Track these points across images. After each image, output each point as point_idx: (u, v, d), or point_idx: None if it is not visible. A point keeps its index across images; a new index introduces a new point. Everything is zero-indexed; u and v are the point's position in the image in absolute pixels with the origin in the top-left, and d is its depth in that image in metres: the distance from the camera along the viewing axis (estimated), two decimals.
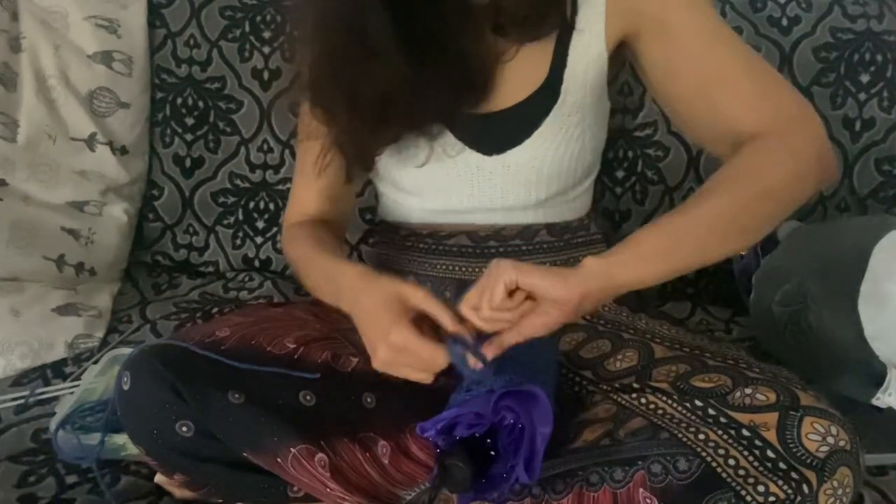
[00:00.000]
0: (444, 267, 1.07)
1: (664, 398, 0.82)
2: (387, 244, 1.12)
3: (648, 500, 0.76)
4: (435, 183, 1.05)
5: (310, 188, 1.11)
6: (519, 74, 1.00)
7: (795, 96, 0.89)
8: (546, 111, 1.00)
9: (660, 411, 0.81)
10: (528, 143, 1.01)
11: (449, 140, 1.02)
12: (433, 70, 0.95)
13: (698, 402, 0.80)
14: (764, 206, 0.82)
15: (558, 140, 1.03)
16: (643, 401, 0.84)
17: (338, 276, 0.92)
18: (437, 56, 0.96)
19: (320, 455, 0.82)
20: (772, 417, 0.76)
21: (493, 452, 0.79)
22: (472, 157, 1.03)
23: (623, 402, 0.85)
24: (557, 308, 0.79)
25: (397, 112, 0.97)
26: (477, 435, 0.79)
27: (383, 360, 0.82)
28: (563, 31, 1.00)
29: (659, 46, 0.96)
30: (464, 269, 1.07)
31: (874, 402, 1.04)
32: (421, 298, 0.83)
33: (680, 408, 0.80)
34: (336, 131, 1.02)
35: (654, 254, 0.80)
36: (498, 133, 1.02)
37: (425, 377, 0.82)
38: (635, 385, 0.87)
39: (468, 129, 1.02)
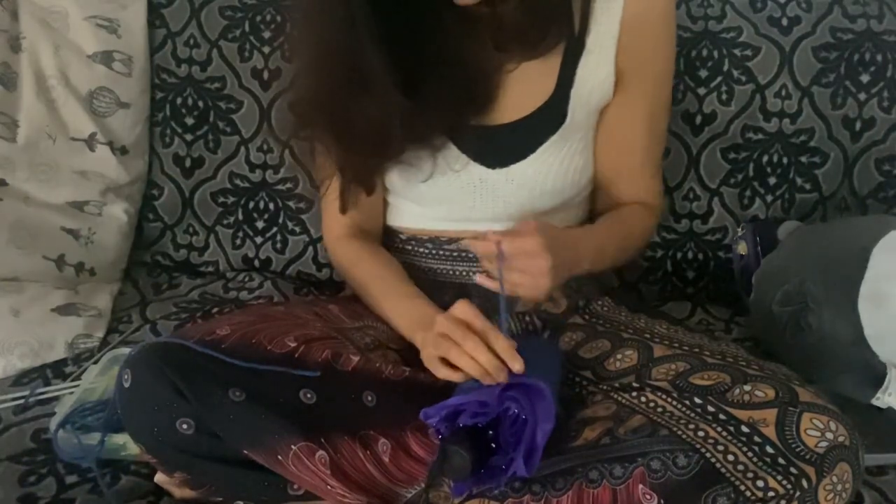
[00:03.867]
0: (443, 271, 1.08)
1: (664, 396, 0.83)
2: (386, 248, 1.12)
3: (648, 496, 0.76)
4: (438, 194, 1.05)
5: (337, 202, 1.10)
6: (524, 88, 1.00)
7: (661, 195, 1.17)
8: (553, 128, 1.01)
9: (659, 409, 0.82)
10: (532, 157, 1.02)
11: (453, 153, 1.02)
12: (433, 86, 0.95)
13: (697, 400, 0.80)
14: (630, 246, 1.09)
15: (563, 155, 1.03)
16: (643, 399, 0.84)
17: (427, 317, 0.94)
18: (437, 72, 0.95)
19: (321, 452, 0.82)
20: (770, 414, 0.76)
21: (493, 444, 0.80)
22: (476, 169, 1.03)
23: (623, 401, 0.85)
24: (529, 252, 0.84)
25: (391, 143, 0.97)
26: (479, 425, 0.79)
27: (433, 342, 0.85)
28: (571, 49, 1.00)
29: (618, 97, 1.04)
30: (464, 273, 1.07)
31: (874, 402, 1.04)
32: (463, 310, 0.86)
33: (679, 405, 0.81)
34: (336, 159, 1.02)
35: (603, 245, 1.00)
36: (502, 146, 1.02)
37: (473, 361, 0.82)
38: (635, 384, 0.87)
39: (472, 142, 1.02)
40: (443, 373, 0.85)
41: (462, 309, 0.84)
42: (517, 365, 0.80)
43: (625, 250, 1.07)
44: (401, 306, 1.01)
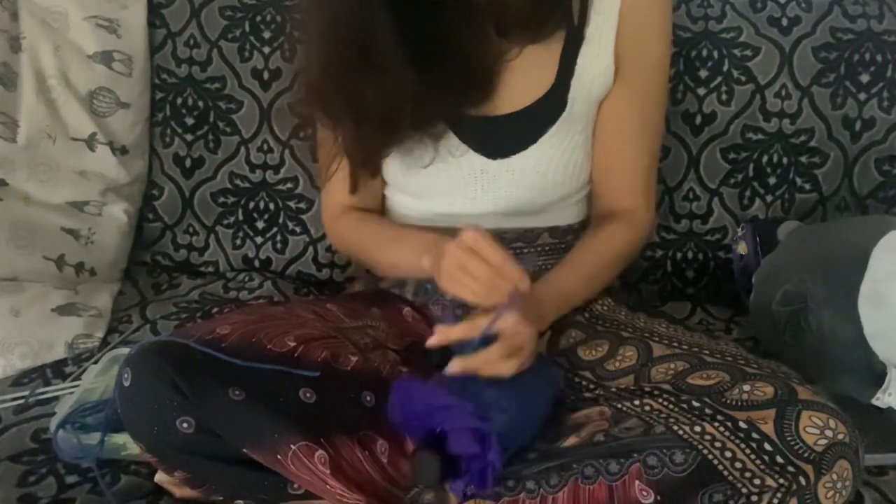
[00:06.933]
0: None
1: (660, 400, 0.82)
2: None
3: (644, 493, 0.76)
4: (438, 185, 1.05)
5: (339, 184, 1.11)
6: (524, 79, 1.01)
7: (654, 197, 1.13)
8: (553, 119, 1.01)
9: (655, 412, 0.81)
10: (533, 148, 1.02)
11: (453, 141, 1.02)
12: (437, 73, 0.95)
13: (695, 403, 0.80)
14: (612, 271, 1.07)
15: (563, 147, 1.03)
16: (636, 403, 0.84)
17: (431, 242, 0.95)
18: (441, 60, 0.96)
19: (320, 452, 0.82)
20: (769, 412, 0.76)
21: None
22: (477, 159, 1.03)
23: (622, 408, 0.85)
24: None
25: (403, 119, 0.97)
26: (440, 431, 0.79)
27: (448, 264, 0.85)
28: (571, 40, 1.01)
29: (614, 89, 1.04)
30: None
31: (874, 402, 1.04)
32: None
33: (676, 408, 0.80)
34: (343, 138, 1.03)
35: (569, 294, 1.00)
36: (503, 137, 1.02)
37: (485, 293, 0.84)
38: (632, 387, 0.87)
39: (473, 132, 1.02)
40: (461, 291, 0.86)
41: (472, 237, 0.84)
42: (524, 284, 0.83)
43: (595, 287, 1.05)
44: (397, 248, 1.03)
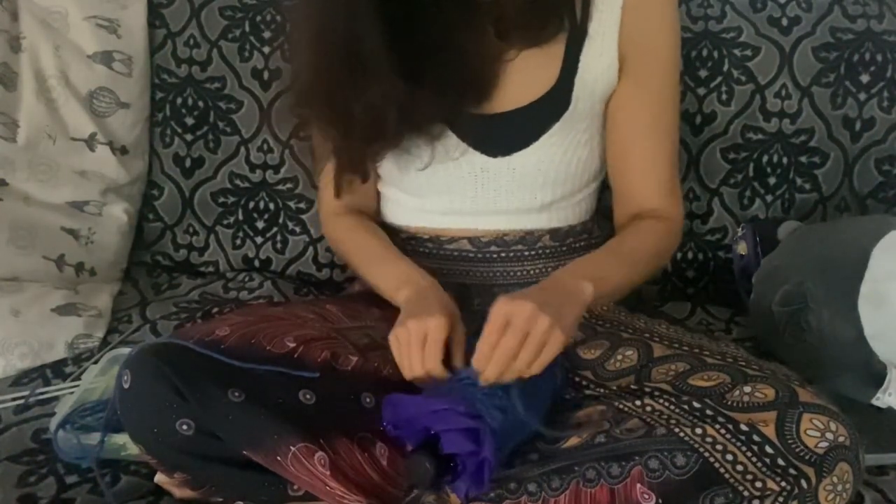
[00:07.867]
0: (444, 271, 1.07)
1: (661, 400, 0.82)
2: None
3: (646, 496, 0.76)
4: (437, 184, 1.05)
5: (332, 184, 1.11)
6: (526, 76, 1.00)
7: (680, 195, 1.09)
8: (556, 116, 1.00)
9: (656, 413, 0.81)
10: (535, 146, 1.01)
11: (451, 141, 1.02)
12: (432, 74, 0.95)
13: (696, 404, 0.80)
14: (649, 265, 1.03)
15: (566, 145, 1.02)
16: (637, 403, 0.84)
17: (412, 275, 0.98)
18: (437, 62, 0.95)
19: (320, 454, 0.82)
20: (770, 415, 0.76)
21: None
22: (477, 158, 1.03)
23: (623, 408, 0.85)
24: (517, 316, 0.80)
25: (390, 128, 0.97)
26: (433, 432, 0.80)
27: (401, 333, 0.87)
28: (574, 36, 1.00)
29: (621, 87, 1.03)
30: (465, 273, 1.07)
31: (874, 402, 1.04)
32: (459, 334, 0.88)
33: (677, 410, 0.80)
34: (332, 142, 1.03)
35: (608, 272, 0.94)
36: (504, 135, 1.02)
37: (408, 372, 0.87)
38: (633, 387, 0.87)
39: (472, 130, 1.01)
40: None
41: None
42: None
43: (637, 273, 1.01)
44: (382, 270, 1.03)
